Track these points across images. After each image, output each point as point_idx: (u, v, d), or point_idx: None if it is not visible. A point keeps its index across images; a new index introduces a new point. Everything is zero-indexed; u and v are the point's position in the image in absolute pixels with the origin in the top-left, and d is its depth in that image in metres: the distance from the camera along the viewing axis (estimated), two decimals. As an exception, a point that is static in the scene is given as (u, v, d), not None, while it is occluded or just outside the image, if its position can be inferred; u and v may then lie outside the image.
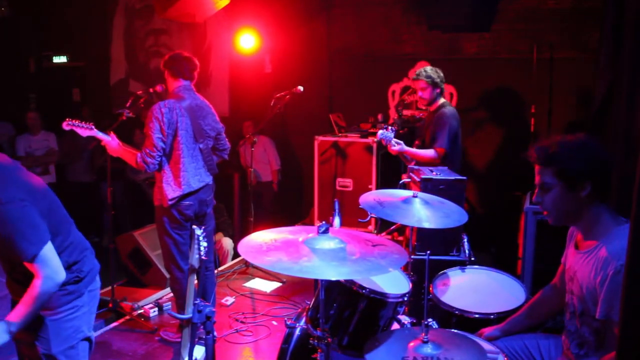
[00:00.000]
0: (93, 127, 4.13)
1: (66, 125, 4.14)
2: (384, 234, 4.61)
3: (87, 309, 2.56)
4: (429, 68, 4.81)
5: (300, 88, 5.28)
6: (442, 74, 4.82)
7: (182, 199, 4.03)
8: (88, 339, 2.58)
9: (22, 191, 2.27)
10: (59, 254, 2.36)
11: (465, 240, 4.07)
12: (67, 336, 2.46)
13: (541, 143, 2.28)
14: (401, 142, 4.74)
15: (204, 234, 2.90)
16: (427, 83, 4.74)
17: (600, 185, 2.17)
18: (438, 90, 4.79)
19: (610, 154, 2.18)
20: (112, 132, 4.22)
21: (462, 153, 4.89)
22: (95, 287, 2.65)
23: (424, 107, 4.97)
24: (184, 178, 4.01)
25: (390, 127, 4.71)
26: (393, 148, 4.68)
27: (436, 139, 4.67)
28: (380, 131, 4.69)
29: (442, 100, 4.85)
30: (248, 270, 5.80)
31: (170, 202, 4.00)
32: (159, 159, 3.96)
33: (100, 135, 4.17)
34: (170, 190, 4.00)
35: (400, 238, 5.15)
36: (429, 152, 4.69)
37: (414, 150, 4.78)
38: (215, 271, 5.39)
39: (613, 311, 2.03)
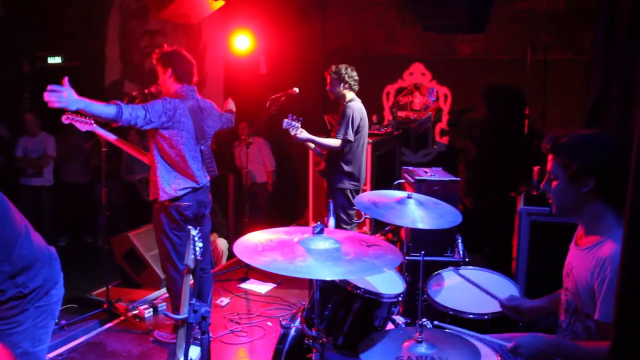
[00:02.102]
0: (93, 122, 4.12)
1: (65, 119, 4.12)
2: (378, 234, 4.63)
3: (30, 325, 2.44)
4: (342, 65, 5.05)
5: (296, 89, 5.28)
6: (352, 73, 5.05)
7: (177, 199, 4.02)
8: (32, 355, 2.48)
9: None
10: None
11: (460, 241, 4.08)
12: None
13: (557, 132, 2.23)
14: (304, 130, 4.95)
15: (200, 234, 2.90)
16: (333, 78, 5.02)
17: (604, 184, 2.11)
18: (346, 86, 5.02)
19: (625, 154, 2.09)
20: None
21: (361, 148, 5.06)
22: (48, 302, 2.51)
23: (332, 99, 5.23)
24: (182, 179, 4.01)
25: (296, 118, 4.87)
26: (299, 135, 4.86)
27: (339, 129, 4.90)
28: (286, 120, 4.85)
29: (351, 96, 5.07)
30: (243, 271, 5.80)
31: (167, 199, 3.99)
32: (135, 121, 3.72)
33: (99, 130, 4.16)
34: (167, 190, 3.98)
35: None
36: (333, 141, 4.91)
37: (319, 139, 4.98)
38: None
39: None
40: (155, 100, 3.93)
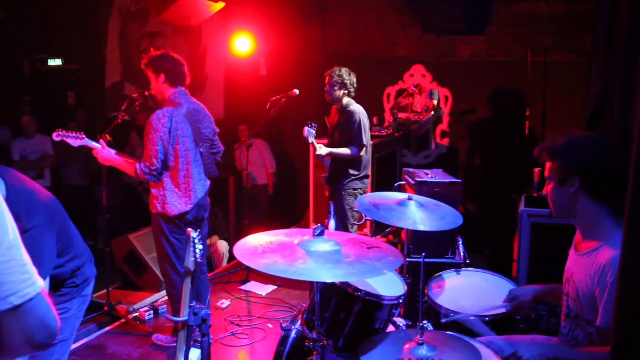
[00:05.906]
0: (84, 136, 4.09)
1: (56, 137, 4.09)
2: (379, 236, 4.62)
3: (74, 314, 2.63)
4: (344, 69, 5.05)
5: (296, 91, 5.29)
6: (353, 79, 5.09)
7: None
8: (65, 343, 2.62)
9: (45, 217, 2.35)
10: (66, 263, 2.52)
11: (461, 242, 4.08)
12: None
13: (546, 140, 2.31)
14: (322, 146, 5.02)
15: (199, 237, 2.89)
16: (334, 80, 5.03)
17: (589, 183, 2.15)
18: (345, 92, 5.06)
19: (611, 154, 2.15)
20: (105, 137, 4.20)
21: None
22: (88, 292, 2.73)
23: (328, 101, 5.28)
24: (194, 192, 4.00)
25: (312, 124, 4.89)
26: (320, 152, 4.92)
27: (355, 138, 4.97)
28: (307, 128, 4.88)
29: (347, 101, 5.11)
30: (244, 273, 5.80)
31: (177, 214, 3.99)
32: (156, 172, 3.90)
33: (92, 144, 4.13)
34: (177, 204, 3.96)
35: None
36: (352, 150, 4.98)
37: (337, 150, 5.02)
38: (211, 274, 5.38)
39: None
40: (147, 129, 3.91)
